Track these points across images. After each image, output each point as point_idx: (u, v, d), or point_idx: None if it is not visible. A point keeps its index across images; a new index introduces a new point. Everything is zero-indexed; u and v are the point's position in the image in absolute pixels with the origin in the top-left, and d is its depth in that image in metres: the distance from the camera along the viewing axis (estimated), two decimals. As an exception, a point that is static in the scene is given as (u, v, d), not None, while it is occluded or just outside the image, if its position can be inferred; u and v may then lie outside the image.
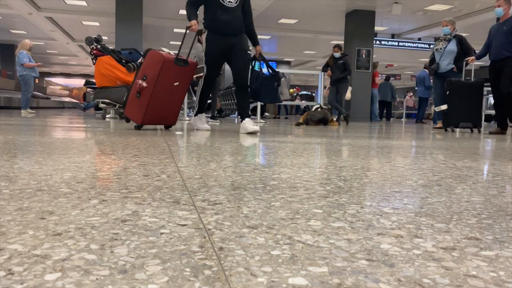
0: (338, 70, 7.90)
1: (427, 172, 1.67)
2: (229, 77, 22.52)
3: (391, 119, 13.93)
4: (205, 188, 1.20)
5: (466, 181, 1.47)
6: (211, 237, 0.74)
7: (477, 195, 1.22)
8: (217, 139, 3.14)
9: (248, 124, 4.10)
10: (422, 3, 11.55)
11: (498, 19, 5.81)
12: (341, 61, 7.87)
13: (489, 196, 1.21)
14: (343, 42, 12.25)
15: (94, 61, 6.85)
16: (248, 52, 4.26)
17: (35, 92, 21.54)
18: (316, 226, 0.84)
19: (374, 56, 13.17)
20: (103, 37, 7.38)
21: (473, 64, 6.28)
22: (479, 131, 6.07)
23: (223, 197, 1.09)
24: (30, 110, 8.99)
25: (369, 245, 0.72)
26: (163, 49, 4.38)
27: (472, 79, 6.15)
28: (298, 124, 6.79)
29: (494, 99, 5.79)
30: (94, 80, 7.64)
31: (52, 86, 34.32)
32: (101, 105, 6.89)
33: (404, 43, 15.54)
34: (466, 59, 6.27)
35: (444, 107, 6.05)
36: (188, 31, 4.04)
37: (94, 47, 6.82)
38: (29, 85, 8.90)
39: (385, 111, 13.20)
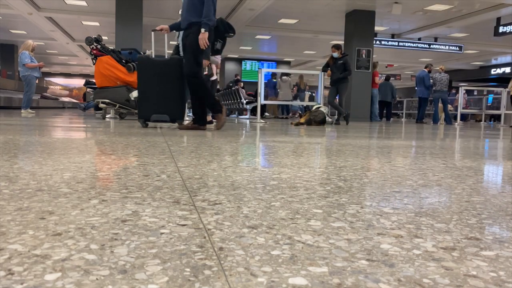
0: (338, 70, 7.89)
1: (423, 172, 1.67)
2: (229, 77, 22.41)
3: (392, 119, 13.93)
4: (205, 188, 1.20)
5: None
6: (211, 237, 0.74)
7: (477, 195, 1.22)
8: (217, 139, 3.14)
9: None
10: (422, 3, 11.55)
11: None
12: (341, 61, 7.87)
13: (489, 196, 1.21)
14: (343, 42, 12.25)
15: (94, 61, 6.86)
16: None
17: (45, 93, 21.53)
18: (316, 226, 0.84)
19: (374, 56, 13.17)
20: (103, 37, 7.39)
21: (166, 34, 4.78)
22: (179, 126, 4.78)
23: (223, 197, 1.09)
24: (30, 110, 8.99)
25: (369, 245, 0.72)
26: None
27: (167, 56, 4.84)
28: (298, 124, 6.79)
29: None
30: (94, 80, 7.65)
31: (52, 86, 34.32)
32: (101, 105, 6.90)
33: (404, 43, 15.54)
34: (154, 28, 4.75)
35: (135, 93, 4.82)
36: None
37: (94, 47, 6.82)
38: (32, 85, 8.90)
39: (385, 111, 13.20)
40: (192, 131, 4.20)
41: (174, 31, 4.76)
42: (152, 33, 4.75)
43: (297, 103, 12.98)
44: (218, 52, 5.05)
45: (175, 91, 4.53)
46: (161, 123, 4.70)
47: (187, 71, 4.24)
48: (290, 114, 13.76)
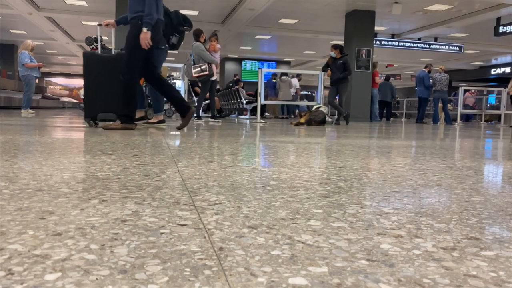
0: (338, 70, 7.89)
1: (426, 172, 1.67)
2: (229, 77, 22.34)
3: (391, 119, 13.93)
4: (205, 188, 1.20)
5: (466, 181, 1.47)
6: (211, 237, 0.74)
7: (477, 195, 1.22)
8: (217, 139, 3.14)
9: None
10: (422, 3, 11.55)
11: None
12: (341, 61, 7.86)
13: (489, 196, 1.21)
14: (343, 42, 12.25)
15: (94, 61, 6.84)
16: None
17: (45, 93, 21.50)
18: (316, 226, 0.84)
19: (374, 56, 13.17)
20: (103, 37, 7.37)
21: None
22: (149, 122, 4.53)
23: (223, 197, 1.09)
24: (30, 110, 8.98)
25: (369, 245, 0.72)
26: None
27: (114, 52, 4.63)
28: (298, 124, 6.79)
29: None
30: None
31: (52, 86, 34.32)
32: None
33: (404, 43, 15.54)
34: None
35: (81, 92, 4.62)
36: None
37: (94, 47, 6.82)
38: (31, 85, 8.90)
39: (385, 111, 13.21)
40: (187, 126, 4.19)
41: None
42: (98, 27, 4.59)
43: (297, 103, 12.98)
44: (174, 47, 4.83)
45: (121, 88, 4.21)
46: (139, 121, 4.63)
47: (123, 67, 4.04)
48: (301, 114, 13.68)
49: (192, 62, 7.15)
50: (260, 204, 1.01)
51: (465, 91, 16.32)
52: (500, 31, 12.43)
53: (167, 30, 4.61)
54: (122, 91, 4.07)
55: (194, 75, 7.05)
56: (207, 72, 7.02)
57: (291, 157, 2.07)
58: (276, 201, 1.06)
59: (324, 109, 7.13)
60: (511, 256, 0.69)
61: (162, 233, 0.76)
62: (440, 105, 11.42)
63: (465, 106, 14.90)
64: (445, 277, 0.59)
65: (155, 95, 4.84)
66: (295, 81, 13.62)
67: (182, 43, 4.96)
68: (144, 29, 3.89)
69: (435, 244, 0.74)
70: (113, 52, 4.58)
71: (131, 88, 4.07)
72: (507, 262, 0.66)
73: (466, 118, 16.18)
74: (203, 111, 11.48)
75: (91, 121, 4.52)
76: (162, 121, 4.97)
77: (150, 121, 5.05)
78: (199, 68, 6.99)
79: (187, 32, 4.94)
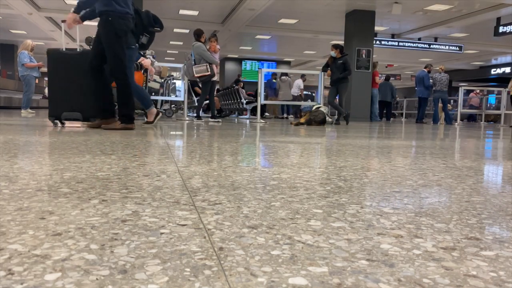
0: (338, 70, 7.89)
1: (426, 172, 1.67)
2: (229, 77, 22.29)
3: (391, 119, 13.94)
4: (205, 188, 1.20)
5: (466, 181, 1.47)
6: (211, 237, 0.74)
7: (477, 195, 1.22)
8: (217, 139, 3.14)
9: None
10: (422, 3, 11.55)
11: None
12: (341, 61, 7.86)
13: (489, 196, 1.21)
14: (343, 42, 12.25)
15: (94, 61, 6.84)
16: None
17: (46, 93, 21.47)
18: (316, 226, 0.84)
19: (374, 56, 13.16)
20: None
21: None
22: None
23: (223, 197, 1.09)
24: (30, 110, 8.98)
25: (369, 245, 0.72)
26: None
27: (79, 49, 4.55)
28: (298, 124, 6.79)
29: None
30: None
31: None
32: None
33: (404, 43, 15.54)
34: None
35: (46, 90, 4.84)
36: None
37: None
38: (31, 85, 8.90)
39: (385, 111, 13.21)
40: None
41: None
42: (62, 24, 4.38)
43: (297, 103, 12.98)
44: (143, 47, 4.81)
45: (89, 87, 4.10)
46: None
47: (111, 69, 3.94)
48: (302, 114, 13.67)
49: (193, 62, 7.15)
50: (260, 204, 1.01)
51: (469, 91, 16.31)
52: (500, 31, 12.43)
53: (137, 29, 4.57)
54: (118, 92, 4.05)
55: (196, 75, 7.05)
56: (209, 72, 7.02)
57: (291, 157, 2.07)
58: (276, 201, 1.06)
59: (324, 109, 7.13)
60: (511, 256, 0.69)
61: (162, 233, 0.76)
62: (440, 105, 11.41)
63: (470, 106, 14.91)
64: (445, 277, 0.59)
65: (137, 94, 4.70)
66: (299, 82, 13.62)
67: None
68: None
69: (435, 244, 0.74)
70: (78, 49, 4.52)
71: (127, 88, 4.02)
72: (507, 262, 0.66)
73: (471, 118, 16.14)
74: (203, 111, 11.48)
75: (55, 120, 4.37)
76: (158, 114, 4.94)
77: (148, 121, 5.05)
78: (200, 68, 6.98)
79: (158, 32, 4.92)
